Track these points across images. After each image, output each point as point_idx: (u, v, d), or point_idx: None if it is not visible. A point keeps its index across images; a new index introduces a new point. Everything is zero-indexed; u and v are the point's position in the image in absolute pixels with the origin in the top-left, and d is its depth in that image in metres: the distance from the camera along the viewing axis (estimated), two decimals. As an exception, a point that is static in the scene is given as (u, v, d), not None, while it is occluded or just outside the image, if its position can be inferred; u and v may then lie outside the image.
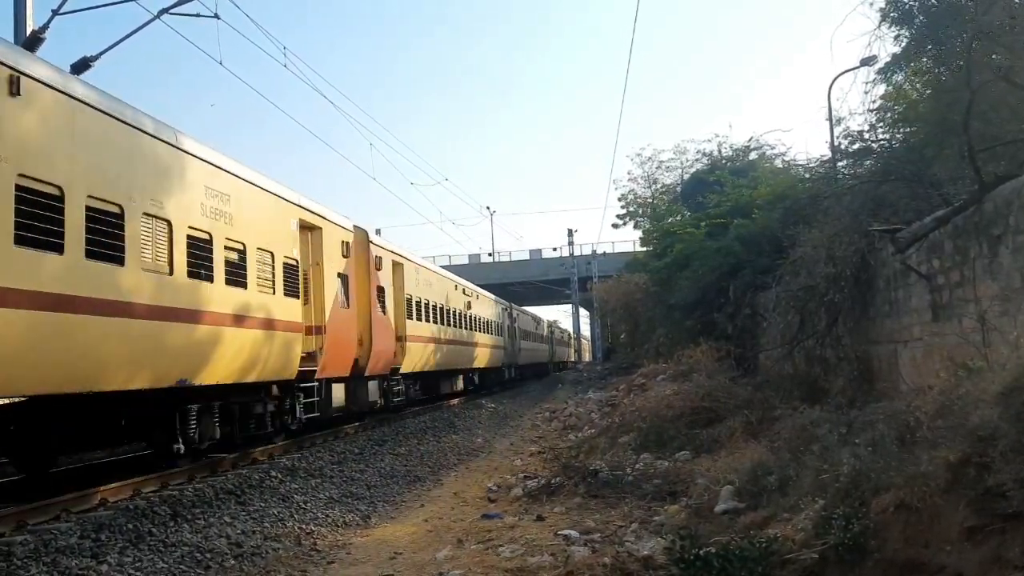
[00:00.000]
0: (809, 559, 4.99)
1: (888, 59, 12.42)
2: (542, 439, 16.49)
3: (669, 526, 7.11)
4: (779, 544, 5.28)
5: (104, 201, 8.59)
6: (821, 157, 18.74)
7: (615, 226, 46.63)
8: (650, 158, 41.95)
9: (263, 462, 12.00)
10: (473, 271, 52.82)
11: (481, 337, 31.70)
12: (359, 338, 16.43)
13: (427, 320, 22.86)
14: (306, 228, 14.18)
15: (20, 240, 7.38)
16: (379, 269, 17.86)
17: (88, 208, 8.30)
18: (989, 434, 4.49)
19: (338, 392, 15.51)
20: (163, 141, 9.88)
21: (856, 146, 14.34)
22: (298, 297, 13.54)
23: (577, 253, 61.09)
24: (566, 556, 6.49)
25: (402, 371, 19.90)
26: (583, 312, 75.21)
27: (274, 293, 12.58)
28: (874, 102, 13.71)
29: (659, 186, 42.04)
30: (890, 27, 11.36)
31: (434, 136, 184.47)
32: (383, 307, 18.06)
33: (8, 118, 7.38)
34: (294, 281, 13.43)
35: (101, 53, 13.08)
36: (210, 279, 10.62)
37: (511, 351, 39.85)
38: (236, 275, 11.39)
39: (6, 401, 8.24)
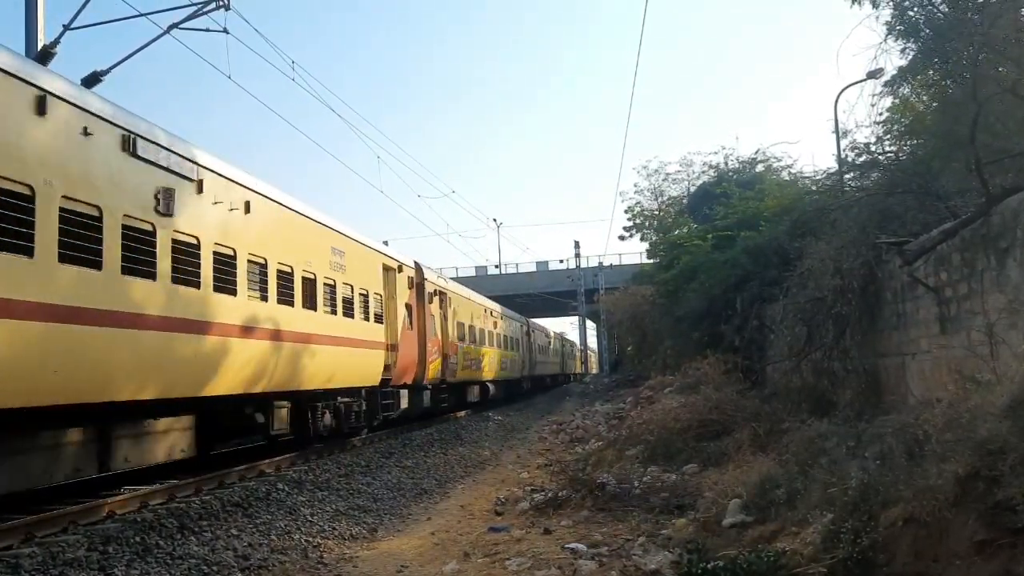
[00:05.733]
0: (818, 573, 4.97)
1: (894, 72, 12.43)
2: (549, 451, 16.44)
3: (677, 540, 7.09)
4: (787, 558, 5.27)
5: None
6: (828, 169, 18.80)
7: (622, 238, 46.53)
8: (656, 170, 42.11)
9: (270, 474, 12.01)
10: (480, 283, 52.79)
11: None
12: None
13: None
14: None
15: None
16: None
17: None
18: (998, 447, 4.48)
19: None
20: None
21: (863, 158, 14.32)
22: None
23: (584, 265, 61.18)
24: (573, 570, 6.48)
25: None
26: (590, 324, 75.10)
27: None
28: (881, 115, 13.75)
29: (666, 198, 42.18)
30: (896, 40, 11.38)
31: (441, 149, 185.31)
32: None
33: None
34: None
35: (111, 68, 13.22)
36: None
37: (432, 356, 21.44)
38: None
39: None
